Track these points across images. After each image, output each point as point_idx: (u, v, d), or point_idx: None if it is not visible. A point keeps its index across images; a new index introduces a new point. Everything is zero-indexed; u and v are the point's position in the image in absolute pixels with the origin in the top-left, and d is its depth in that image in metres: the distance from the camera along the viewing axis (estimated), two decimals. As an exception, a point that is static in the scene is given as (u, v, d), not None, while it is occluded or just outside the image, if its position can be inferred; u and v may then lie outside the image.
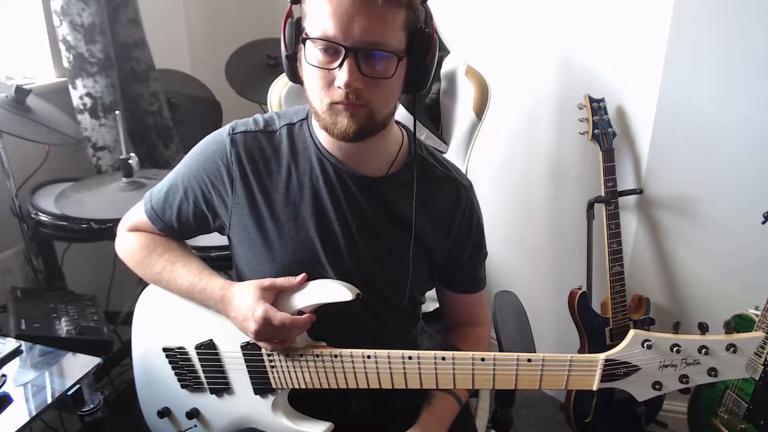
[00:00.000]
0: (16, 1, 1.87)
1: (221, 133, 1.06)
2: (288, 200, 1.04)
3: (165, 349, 1.13)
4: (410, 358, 0.97)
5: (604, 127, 1.77)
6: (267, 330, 0.98)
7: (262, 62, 2.22)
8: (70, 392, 1.05)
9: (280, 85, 1.53)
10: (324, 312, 1.02)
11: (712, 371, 0.86)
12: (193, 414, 1.14)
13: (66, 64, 1.81)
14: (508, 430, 1.23)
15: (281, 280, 1.01)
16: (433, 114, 1.58)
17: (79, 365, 1.10)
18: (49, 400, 1.02)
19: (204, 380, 1.12)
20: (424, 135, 1.50)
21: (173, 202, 1.09)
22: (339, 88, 0.89)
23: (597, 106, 1.76)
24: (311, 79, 0.93)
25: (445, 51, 1.57)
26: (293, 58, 0.96)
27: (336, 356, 1.01)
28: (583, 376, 0.91)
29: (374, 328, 1.11)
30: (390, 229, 1.07)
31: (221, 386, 1.11)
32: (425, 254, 1.10)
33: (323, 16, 0.87)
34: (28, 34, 1.91)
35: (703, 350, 0.85)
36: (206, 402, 1.13)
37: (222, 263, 1.59)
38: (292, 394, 1.09)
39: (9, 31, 1.89)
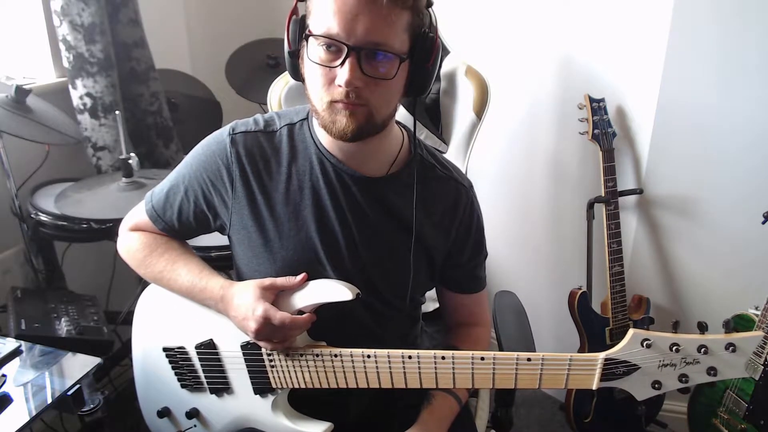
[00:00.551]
0: (16, 1, 1.87)
1: (221, 133, 1.06)
2: (288, 200, 1.04)
3: (165, 349, 1.13)
4: (410, 357, 0.97)
5: (604, 127, 1.77)
6: (267, 329, 0.98)
7: (262, 62, 2.22)
8: (70, 392, 1.05)
9: (280, 85, 1.53)
10: (324, 312, 1.02)
11: (712, 370, 0.86)
12: (193, 414, 1.14)
13: (66, 64, 1.81)
14: (508, 430, 1.23)
15: (281, 280, 1.01)
16: (433, 114, 1.58)
17: (79, 365, 1.10)
18: (49, 400, 1.02)
19: (204, 380, 1.12)
20: (423, 135, 1.50)
21: (174, 202, 1.09)
22: (339, 86, 0.89)
23: (597, 106, 1.76)
24: (312, 76, 0.93)
25: (445, 51, 1.57)
26: (296, 55, 0.96)
27: (336, 356, 1.01)
28: (583, 376, 0.91)
29: (374, 327, 1.11)
30: (390, 229, 1.07)
31: (221, 386, 1.11)
32: (425, 254, 1.10)
33: (327, 14, 0.88)
34: (28, 34, 1.91)
35: (703, 349, 0.85)
36: (206, 402, 1.13)
37: (222, 263, 1.59)
38: (292, 394, 1.09)
39: (9, 31, 1.89)
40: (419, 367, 0.98)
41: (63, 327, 1.47)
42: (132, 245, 1.14)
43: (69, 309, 1.56)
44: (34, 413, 0.99)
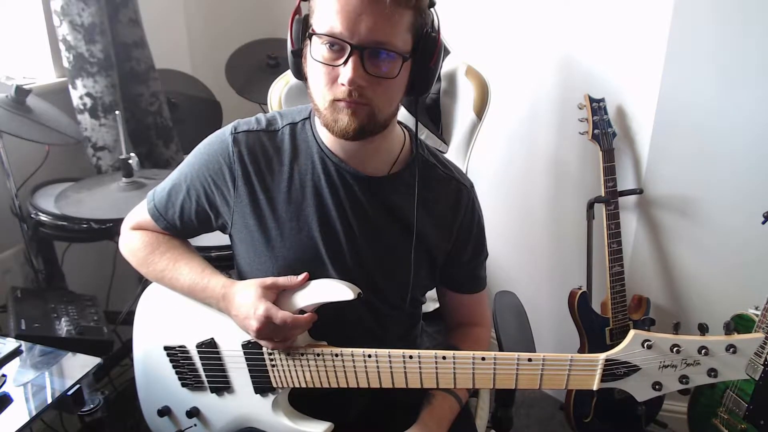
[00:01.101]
0: (16, 1, 1.87)
1: (224, 132, 1.06)
2: (290, 199, 1.04)
3: (166, 348, 1.13)
4: (411, 357, 0.97)
5: (604, 127, 1.77)
6: (268, 328, 0.98)
7: (262, 62, 2.22)
8: (70, 392, 1.05)
9: (281, 85, 1.53)
10: (325, 311, 1.02)
11: (712, 372, 0.86)
12: (193, 413, 1.14)
13: (66, 64, 1.81)
14: (508, 430, 1.23)
15: (283, 279, 1.01)
16: (433, 114, 1.58)
17: (79, 365, 1.10)
18: (49, 400, 1.02)
19: (204, 379, 1.12)
20: (424, 135, 1.50)
21: (176, 200, 1.09)
22: (342, 85, 0.90)
23: (597, 106, 1.76)
24: (315, 75, 0.93)
25: (445, 51, 1.57)
26: (299, 54, 0.96)
27: (337, 355, 1.01)
28: (584, 376, 0.91)
29: (375, 327, 1.11)
30: (391, 229, 1.07)
31: (221, 385, 1.11)
32: (426, 254, 1.10)
33: (331, 13, 0.88)
34: (28, 34, 1.90)
35: (703, 351, 0.85)
36: (206, 401, 1.13)
37: (223, 263, 1.59)
38: (293, 393, 1.09)
39: (9, 31, 1.88)
40: (420, 367, 0.98)
41: (63, 327, 1.47)
42: (134, 244, 1.14)
43: (69, 309, 1.56)
44: (34, 413, 0.99)
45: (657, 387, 0.89)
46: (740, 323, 1.65)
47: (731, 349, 0.85)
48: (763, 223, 1.62)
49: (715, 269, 1.87)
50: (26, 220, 1.71)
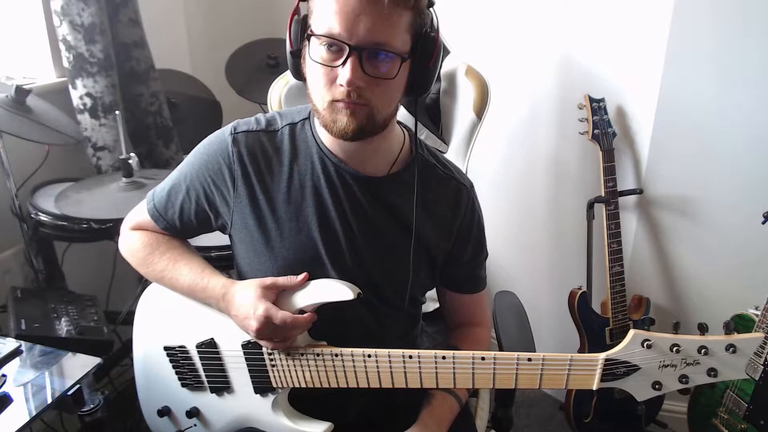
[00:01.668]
0: (16, 1, 1.87)
1: (223, 133, 1.06)
2: (289, 199, 1.04)
3: (166, 348, 1.13)
4: (410, 357, 0.97)
5: (604, 127, 1.77)
6: (268, 329, 0.98)
7: (262, 62, 2.22)
8: (70, 392, 1.05)
9: (280, 85, 1.53)
10: (325, 311, 1.02)
11: (712, 371, 0.86)
12: (193, 413, 1.14)
13: (66, 64, 1.81)
14: (508, 430, 1.23)
15: (283, 279, 1.01)
16: (433, 114, 1.58)
17: (79, 365, 1.10)
18: (49, 400, 1.02)
19: (204, 379, 1.12)
20: (424, 135, 1.50)
21: (175, 201, 1.09)
22: (341, 85, 0.90)
23: (597, 106, 1.76)
24: (314, 76, 0.93)
25: (445, 51, 1.57)
26: (297, 55, 0.96)
27: (336, 355, 1.01)
28: (583, 376, 0.91)
29: (375, 327, 1.11)
30: (391, 229, 1.07)
31: (221, 385, 1.11)
32: (426, 254, 1.10)
33: (329, 14, 0.88)
34: (28, 34, 1.90)
35: (703, 350, 0.85)
36: (206, 401, 1.13)
37: (222, 263, 1.59)
38: (292, 394, 1.09)
39: (9, 31, 1.89)
40: (420, 367, 0.98)
41: (63, 327, 1.47)
42: (134, 244, 1.14)
43: (69, 309, 1.56)
44: (34, 413, 0.99)
45: (657, 387, 0.89)
46: (740, 323, 1.65)
47: (731, 349, 0.85)
48: (763, 223, 1.62)
49: (715, 269, 1.87)
50: (26, 220, 1.71)
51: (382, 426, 1.14)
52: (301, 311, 1.00)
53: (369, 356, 0.99)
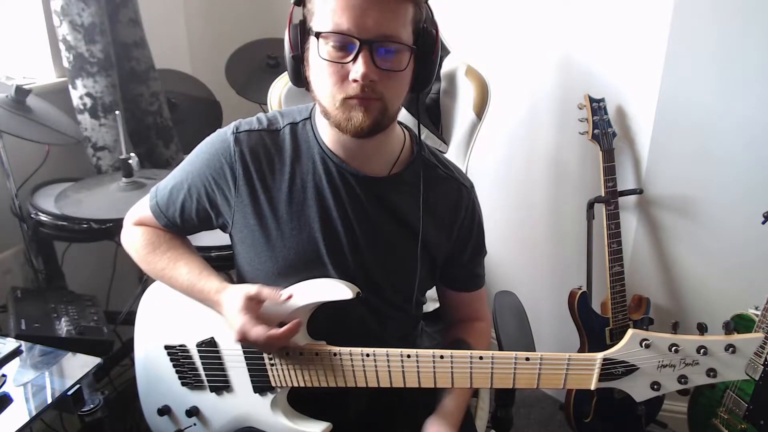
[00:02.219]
0: (16, 1, 1.87)
1: (225, 132, 1.06)
2: (291, 199, 1.04)
3: (167, 347, 1.13)
4: (409, 356, 0.97)
5: (604, 127, 1.77)
6: (246, 342, 0.98)
7: (262, 62, 2.22)
8: (70, 392, 1.05)
9: (280, 85, 1.53)
10: (325, 310, 1.02)
11: (711, 372, 0.86)
12: (193, 412, 1.14)
13: (66, 64, 1.81)
14: (508, 430, 1.23)
15: (267, 292, 0.99)
16: (433, 114, 1.58)
17: (79, 365, 1.10)
18: (49, 400, 1.02)
19: (204, 378, 1.12)
20: (424, 135, 1.50)
21: (177, 199, 1.09)
22: (354, 81, 0.89)
23: (597, 106, 1.76)
24: (322, 76, 0.93)
25: (445, 51, 1.57)
26: (299, 59, 0.96)
27: (335, 355, 1.01)
28: (581, 375, 0.91)
29: (375, 327, 1.11)
30: (392, 229, 1.07)
31: (221, 384, 1.11)
32: (427, 254, 1.10)
33: (334, 12, 0.88)
34: (28, 34, 1.91)
35: (702, 350, 0.85)
36: (206, 400, 1.13)
37: (222, 263, 1.59)
38: (291, 394, 1.09)
39: (9, 31, 1.89)
40: (418, 367, 0.98)
41: (63, 327, 1.47)
42: (136, 241, 1.14)
43: (69, 309, 1.56)
44: (34, 413, 0.99)
45: (656, 387, 0.89)
46: (740, 323, 1.65)
47: (730, 349, 0.84)
48: (763, 223, 1.62)
49: (715, 269, 1.86)
50: (26, 220, 1.71)
51: (380, 426, 1.14)
52: (282, 324, 0.98)
53: (367, 356, 0.99)
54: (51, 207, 1.64)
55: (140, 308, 1.20)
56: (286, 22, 0.95)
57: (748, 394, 1.63)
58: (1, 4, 1.86)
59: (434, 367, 0.97)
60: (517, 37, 2.01)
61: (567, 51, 1.92)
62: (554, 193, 2.10)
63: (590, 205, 1.86)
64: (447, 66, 1.55)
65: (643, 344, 0.87)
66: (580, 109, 1.80)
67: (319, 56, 0.92)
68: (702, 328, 0.87)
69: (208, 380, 1.12)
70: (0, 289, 1.71)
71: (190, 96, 2.23)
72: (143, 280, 1.17)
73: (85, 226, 1.60)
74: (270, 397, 1.08)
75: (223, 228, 1.11)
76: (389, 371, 0.99)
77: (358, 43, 0.88)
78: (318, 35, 0.91)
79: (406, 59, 0.92)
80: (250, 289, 0.99)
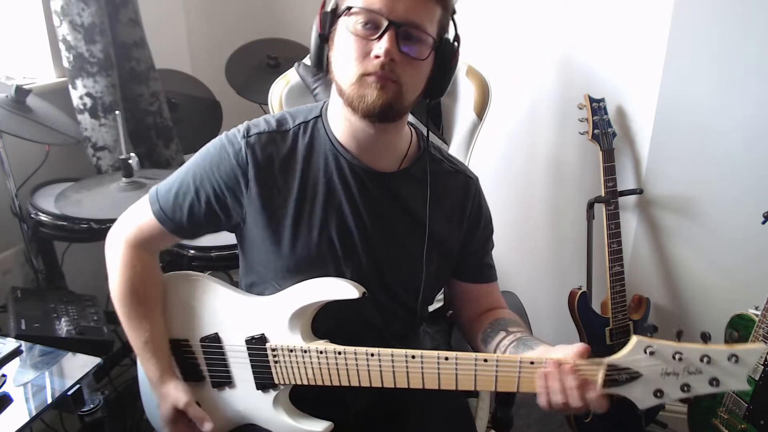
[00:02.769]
0: (16, 1, 1.87)
1: (235, 135, 1.05)
2: (303, 198, 1.04)
3: (169, 341, 1.13)
4: (413, 357, 0.97)
5: (604, 127, 1.77)
6: None
7: (262, 62, 2.22)
8: (70, 392, 1.05)
9: (281, 85, 1.53)
10: (331, 309, 1.02)
11: (714, 381, 0.85)
12: (194, 410, 1.14)
13: (66, 64, 1.81)
14: (508, 430, 1.23)
15: (194, 411, 1.06)
16: (434, 114, 1.58)
17: (79, 365, 1.10)
18: (49, 400, 1.02)
19: (206, 373, 1.12)
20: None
21: (184, 202, 1.07)
22: (376, 57, 0.91)
23: (597, 106, 1.76)
24: (345, 50, 0.94)
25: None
26: (325, 39, 0.98)
27: (340, 353, 1.01)
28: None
29: (381, 326, 1.11)
30: (404, 225, 1.08)
31: (223, 380, 1.11)
32: (438, 250, 1.10)
33: None
34: (28, 34, 1.90)
35: (705, 359, 0.84)
36: (207, 395, 1.13)
37: (222, 263, 1.59)
38: (293, 392, 1.09)
39: (9, 31, 1.88)
40: (422, 368, 0.97)
41: (63, 327, 1.47)
42: (119, 273, 1.11)
43: (69, 309, 1.56)
44: (34, 413, 0.99)
45: (658, 394, 0.88)
46: (740, 323, 1.65)
47: (733, 359, 0.83)
48: (763, 223, 1.62)
49: (715, 269, 1.87)
50: (26, 220, 1.70)
51: (382, 426, 1.14)
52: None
53: (372, 355, 0.99)
54: (51, 207, 1.64)
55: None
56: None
57: (748, 394, 1.63)
58: (1, 4, 1.85)
59: (438, 368, 0.96)
60: (518, 38, 2.01)
61: (567, 51, 1.92)
62: (554, 193, 2.10)
63: (590, 205, 1.86)
64: (447, 66, 1.55)
65: (648, 351, 0.86)
66: (580, 109, 1.80)
67: (346, 29, 0.93)
68: (705, 337, 0.87)
69: (210, 375, 1.12)
70: (0, 289, 1.71)
71: (190, 96, 2.23)
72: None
73: (85, 226, 1.60)
74: (272, 394, 1.08)
75: (233, 230, 1.11)
76: (393, 372, 0.99)
77: (386, 23, 0.90)
78: (349, 9, 0.93)
79: (427, 52, 0.95)
80: (179, 402, 1.06)
